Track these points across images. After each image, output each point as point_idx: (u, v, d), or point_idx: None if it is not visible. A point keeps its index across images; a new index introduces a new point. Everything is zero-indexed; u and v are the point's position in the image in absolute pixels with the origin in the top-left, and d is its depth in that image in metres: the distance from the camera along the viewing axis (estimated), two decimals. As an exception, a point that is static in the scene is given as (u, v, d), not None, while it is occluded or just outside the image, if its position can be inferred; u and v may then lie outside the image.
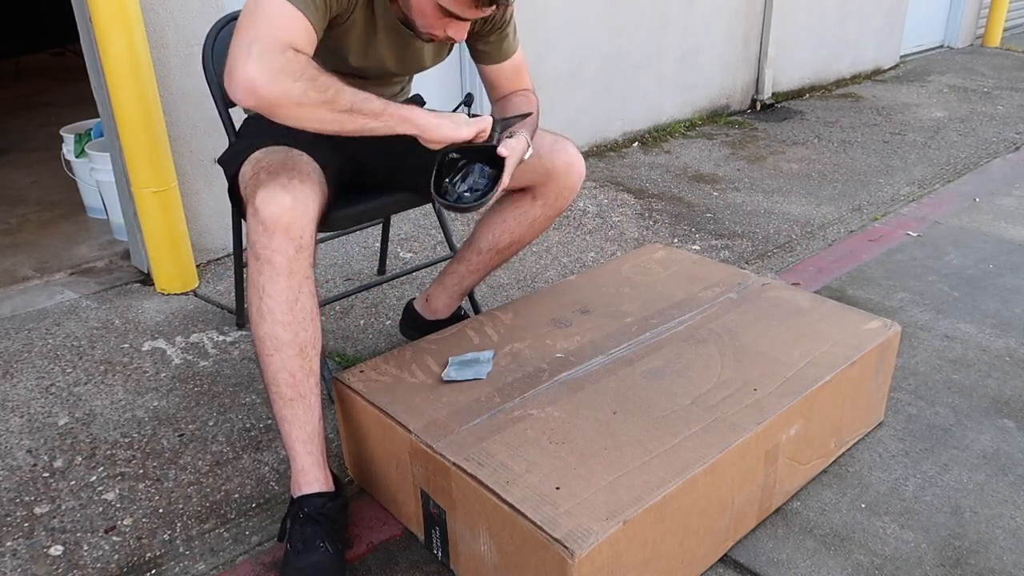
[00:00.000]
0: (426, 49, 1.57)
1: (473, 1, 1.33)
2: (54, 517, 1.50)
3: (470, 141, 1.40)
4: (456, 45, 1.56)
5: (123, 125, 2.14)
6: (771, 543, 1.42)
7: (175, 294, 2.35)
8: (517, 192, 1.69)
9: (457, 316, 1.91)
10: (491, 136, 1.42)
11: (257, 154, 1.43)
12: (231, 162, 1.55)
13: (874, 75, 5.32)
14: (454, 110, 1.47)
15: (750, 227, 2.85)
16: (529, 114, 1.53)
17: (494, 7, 1.36)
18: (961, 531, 1.44)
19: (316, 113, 1.25)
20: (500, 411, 1.38)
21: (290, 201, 1.28)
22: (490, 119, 1.42)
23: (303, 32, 1.27)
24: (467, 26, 1.42)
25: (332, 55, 1.47)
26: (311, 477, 1.35)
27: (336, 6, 1.37)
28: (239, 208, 1.62)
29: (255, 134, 1.55)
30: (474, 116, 1.44)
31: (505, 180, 1.42)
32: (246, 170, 1.42)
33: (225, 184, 1.59)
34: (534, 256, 2.60)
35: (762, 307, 1.73)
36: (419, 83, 1.84)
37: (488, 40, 1.60)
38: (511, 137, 1.45)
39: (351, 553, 1.39)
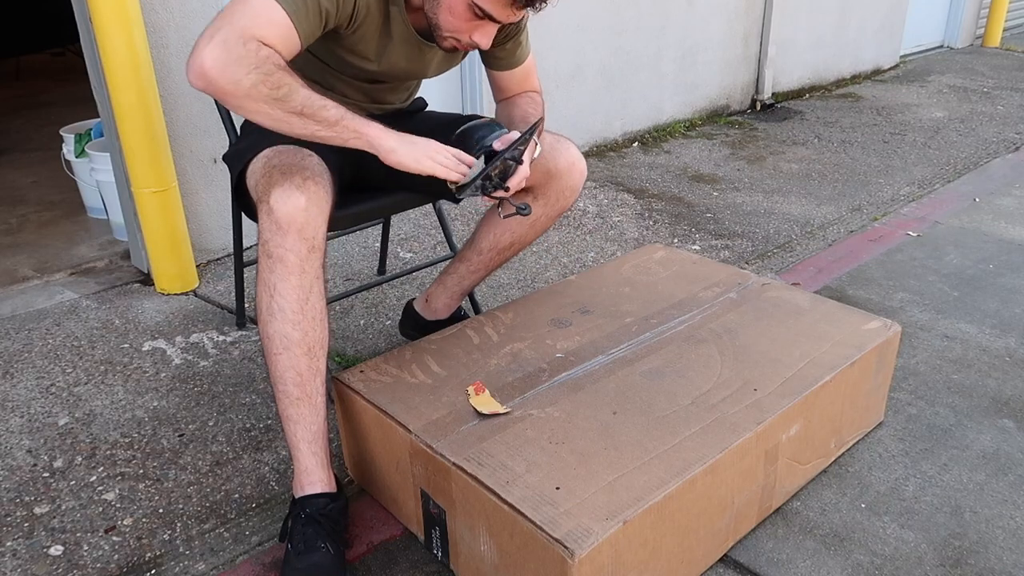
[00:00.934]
0: (437, 58, 1.57)
1: (510, 2, 1.32)
2: (54, 517, 1.50)
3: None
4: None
5: (123, 125, 2.14)
6: (771, 543, 1.42)
7: (175, 294, 2.35)
8: (518, 192, 1.69)
9: (457, 316, 1.91)
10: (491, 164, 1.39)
11: (267, 152, 1.42)
12: (237, 159, 1.54)
13: (874, 75, 5.32)
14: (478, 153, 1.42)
15: (750, 227, 2.85)
16: (539, 122, 1.51)
17: (527, 10, 1.35)
18: (961, 531, 1.44)
19: (263, 108, 1.25)
20: (500, 411, 1.38)
21: (304, 201, 1.28)
22: (472, 161, 1.38)
23: (280, 33, 1.27)
24: (494, 31, 1.41)
25: (350, 57, 1.48)
26: (314, 478, 1.35)
27: (338, 15, 1.37)
28: (243, 205, 1.62)
29: (261, 130, 1.55)
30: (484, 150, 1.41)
31: (520, 176, 1.41)
32: (256, 168, 1.41)
33: (226, 184, 1.59)
34: (534, 256, 2.60)
35: (762, 307, 1.73)
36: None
37: (504, 47, 1.60)
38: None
39: (351, 553, 1.39)
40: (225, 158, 1.70)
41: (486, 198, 1.42)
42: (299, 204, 1.28)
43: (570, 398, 1.41)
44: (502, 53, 1.61)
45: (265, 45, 1.24)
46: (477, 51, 1.63)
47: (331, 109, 1.29)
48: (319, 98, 1.28)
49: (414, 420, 1.36)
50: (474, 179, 1.37)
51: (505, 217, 1.57)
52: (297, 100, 1.26)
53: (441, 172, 1.35)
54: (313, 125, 1.28)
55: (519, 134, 1.41)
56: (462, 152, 1.40)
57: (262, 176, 1.36)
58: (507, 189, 1.40)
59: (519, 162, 1.41)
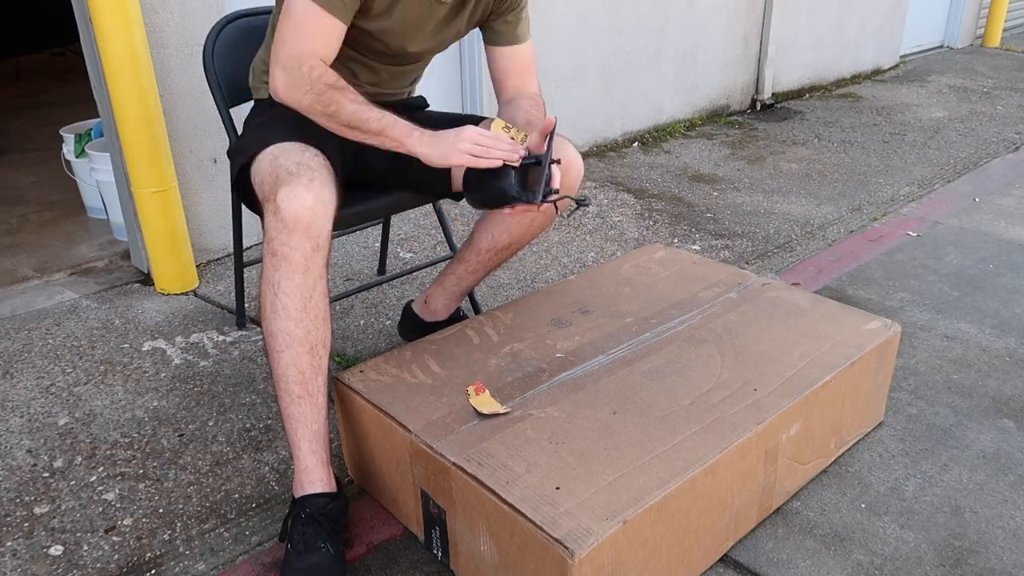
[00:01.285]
0: (443, 19, 1.57)
1: None
2: (54, 517, 1.50)
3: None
4: (458, 44, 1.55)
5: (123, 125, 2.14)
6: (771, 543, 1.42)
7: (175, 294, 2.35)
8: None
9: (456, 317, 1.91)
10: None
11: (273, 149, 1.42)
12: (241, 152, 1.53)
13: (874, 75, 5.32)
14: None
15: (750, 227, 2.85)
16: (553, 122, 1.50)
17: None
18: (961, 531, 1.44)
19: (322, 120, 1.43)
20: (500, 411, 1.38)
21: (311, 201, 1.29)
22: (497, 142, 1.37)
23: (326, 35, 1.41)
24: None
25: (363, 21, 1.48)
26: (315, 477, 1.35)
27: None
28: (245, 198, 1.61)
29: (266, 125, 1.54)
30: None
31: (559, 176, 1.43)
32: (262, 166, 1.41)
33: (226, 184, 1.59)
34: (534, 256, 2.60)
35: (762, 307, 1.73)
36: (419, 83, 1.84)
37: (506, 19, 1.62)
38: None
39: (351, 553, 1.39)
40: (229, 153, 1.68)
41: (542, 205, 1.40)
42: (306, 203, 1.28)
43: (570, 398, 1.42)
44: (503, 27, 1.62)
45: (318, 62, 1.39)
46: (478, 30, 1.63)
47: (374, 122, 1.40)
48: (365, 111, 1.40)
49: (414, 420, 1.36)
50: (540, 190, 1.36)
51: (569, 215, 1.59)
52: (345, 115, 1.40)
53: (470, 161, 1.36)
54: (360, 134, 1.42)
55: (544, 137, 1.42)
56: (486, 133, 1.36)
57: (268, 175, 1.36)
58: (557, 191, 1.41)
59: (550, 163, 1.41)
